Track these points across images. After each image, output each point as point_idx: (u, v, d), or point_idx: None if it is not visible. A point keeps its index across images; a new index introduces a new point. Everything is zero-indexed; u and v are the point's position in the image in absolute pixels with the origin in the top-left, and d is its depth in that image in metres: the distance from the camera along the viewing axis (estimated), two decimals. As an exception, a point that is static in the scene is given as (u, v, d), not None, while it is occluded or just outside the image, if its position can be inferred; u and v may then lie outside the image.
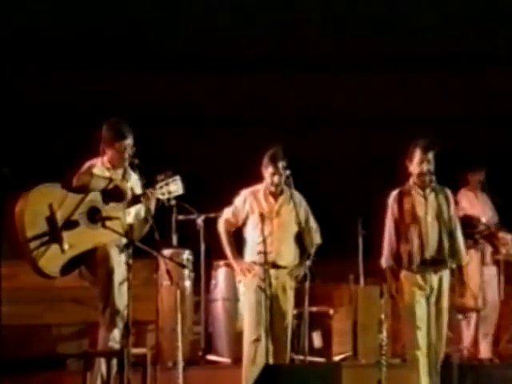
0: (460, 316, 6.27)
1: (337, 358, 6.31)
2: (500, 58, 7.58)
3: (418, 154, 5.44)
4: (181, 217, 6.21)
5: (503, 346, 6.70)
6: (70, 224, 4.89)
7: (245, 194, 5.59)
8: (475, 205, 6.72)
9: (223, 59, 7.54)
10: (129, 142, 5.09)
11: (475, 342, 6.63)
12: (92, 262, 5.01)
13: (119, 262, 4.96)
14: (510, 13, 7.47)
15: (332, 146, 7.54)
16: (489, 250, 6.61)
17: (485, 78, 7.56)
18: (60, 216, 4.87)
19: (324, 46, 7.45)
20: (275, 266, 5.43)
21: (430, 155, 5.44)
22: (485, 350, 6.63)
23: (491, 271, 6.61)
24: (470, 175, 6.76)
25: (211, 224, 5.79)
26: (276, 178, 5.47)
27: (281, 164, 5.44)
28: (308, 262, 5.43)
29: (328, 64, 7.49)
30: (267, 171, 5.50)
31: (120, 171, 5.19)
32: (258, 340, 5.34)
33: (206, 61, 7.54)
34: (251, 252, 5.51)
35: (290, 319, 5.46)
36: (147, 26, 7.57)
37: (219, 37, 7.49)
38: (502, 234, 6.74)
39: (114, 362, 4.96)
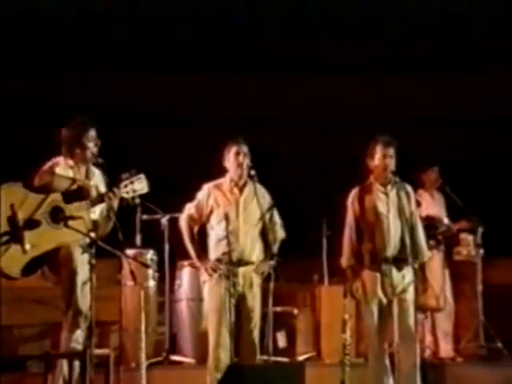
0: (422, 315, 6.25)
1: (301, 358, 6.22)
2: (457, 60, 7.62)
3: (379, 150, 5.37)
4: (145, 216, 6.10)
5: (464, 345, 6.71)
6: (32, 224, 4.76)
7: (208, 187, 5.41)
8: (431, 205, 6.70)
9: (187, 59, 7.46)
10: (92, 134, 4.99)
11: (436, 342, 6.64)
12: (55, 261, 4.88)
13: (82, 262, 4.82)
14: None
15: (296, 145, 7.50)
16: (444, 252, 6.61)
17: (438, 79, 7.59)
18: (21, 216, 4.74)
19: (285, 46, 7.42)
20: (241, 263, 5.30)
21: (391, 150, 5.38)
22: (446, 350, 6.63)
23: (446, 273, 6.60)
24: (423, 175, 6.76)
25: (176, 224, 5.64)
26: (241, 157, 5.31)
27: (243, 146, 5.32)
28: (272, 262, 5.32)
29: (291, 64, 7.46)
30: (230, 154, 5.34)
31: (83, 170, 5.07)
32: (220, 346, 5.21)
33: (170, 61, 7.46)
34: (216, 249, 5.35)
35: (257, 318, 5.32)
36: (114, 24, 7.46)
37: (184, 37, 7.42)
38: (463, 235, 6.75)
39: (77, 363, 4.83)
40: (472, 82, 7.46)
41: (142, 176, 5.05)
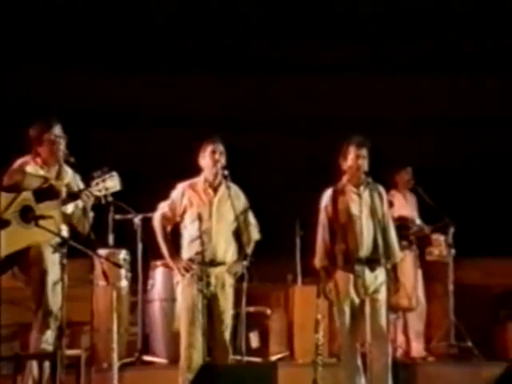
0: (394, 315, 6.23)
1: (274, 358, 6.16)
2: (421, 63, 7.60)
3: (352, 151, 5.33)
4: (118, 216, 6.01)
5: (435, 344, 6.70)
6: (1, 224, 4.65)
7: (182, 186, 5.34)
8: (404, 206, 6.68)
9: (159, 59, 7.37)
10: (57, 131, 4.90)
11: (407, 341, 6.62)
12: (25, 261, 4.78)
13: (53, 262, 4.73)
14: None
15: (270, 146, 7.45)
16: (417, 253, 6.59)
17: (411, 81, 7.56)
18: None
19: (263, 45, 7.36)
20: (214, 263, 5.23)
21: (364, 151, 5.34)
22: (417, 349, 6.61)
23: (418, 273, 6.57)
24: (396, 176, 6.74)
25: (149, 224, 5.55)
26: (217, 156, 5.27)
27: (219, 145, 5.28)
28: (245, 262, 5.25)
29: (268, 64, 7.41)
30: (206, 153, 5.29)
31: (54, 169, 4.98)
32: (192, 346, 5.14)
33: (142, 60, 7.36)
34: (189, 249, 5.27)
35: (229, 318, 5.25)
36: (88, 24, 7.34)
37: (156, 37, 7.32)
38: (435, 236, 6.74)
39: (47, 364, 4.74)
40: (446, 83, 7.47)
41: (115, 174, 4.98)
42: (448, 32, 7.40)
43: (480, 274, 7.20)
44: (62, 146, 4.92)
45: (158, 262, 5.98)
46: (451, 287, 6.64)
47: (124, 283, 6.00)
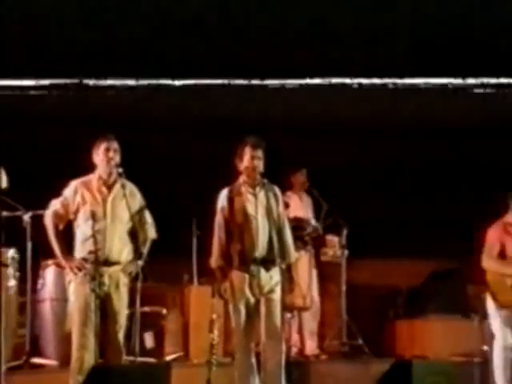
0: (289, 315, 6.15)
1: (168, 359, 5.95)
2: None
3: (248, 151, 5.21)
4: (5, 213, 5.62)
5: (328, 343, 6.68)
6: None
7: (75, 184, 5.08)
8: (299, 207, 6.64)
9: (58, 60, 6.98)
10: None
11: (301, 340, 6.56)
12: None
13: None
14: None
15: (168, 145, 7.23)
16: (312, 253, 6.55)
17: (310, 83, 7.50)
18: None
19: (160, 45, 7.11)
20: (108, 263, 4.97)
21: (260, 152, 5.23)
22: (311, 347, 6.56)
23: (313, 273, 6.53)
24: (292, 177, 6.69)
25: (39, 221, 5.21)
26: (111, 154, 5.04)
27: (113, 142, 5.05)
28: (140, 262, 5.05)
29: (163, 63, 7.16)
30: (100, 150, 5.05)
31: None
32: (84, 347, 4.87)
33: (39, 61, 6.95)
34: (82, 247, 5.00)
35: (124, 319, 5.01)
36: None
37: (47, 38, 6.92)
38: (329, 237, 6.72)
39: None
40: (341, 85, 7.44)
41: (1, 170, 4.62)
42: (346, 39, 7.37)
43: (370, 274, 7.25)
44: None
45: (49, 261, 5.68)
46: (344, 287, 6.65)
47: (12, 283, 5.60)
